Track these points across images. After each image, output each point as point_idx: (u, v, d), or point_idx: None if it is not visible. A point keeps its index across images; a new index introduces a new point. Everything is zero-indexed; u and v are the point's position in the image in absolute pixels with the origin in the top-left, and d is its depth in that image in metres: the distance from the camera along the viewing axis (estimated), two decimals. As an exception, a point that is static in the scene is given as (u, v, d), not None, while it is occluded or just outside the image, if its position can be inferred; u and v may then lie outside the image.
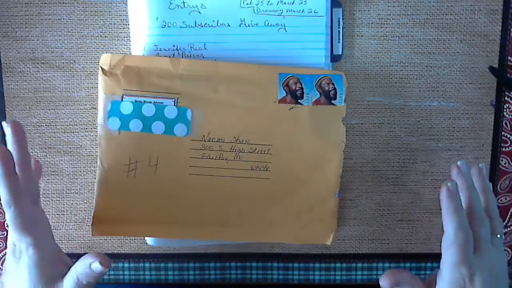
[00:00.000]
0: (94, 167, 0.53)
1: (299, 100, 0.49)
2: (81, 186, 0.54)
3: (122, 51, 0.52)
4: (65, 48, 0.52)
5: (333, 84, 0.49)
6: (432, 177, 0.54)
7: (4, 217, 0.55)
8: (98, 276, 0.42)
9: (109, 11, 0.51)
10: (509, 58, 0.52)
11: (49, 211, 0.55)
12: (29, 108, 0.53)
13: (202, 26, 0.49)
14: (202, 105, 0.48)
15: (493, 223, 0.43)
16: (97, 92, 0.48)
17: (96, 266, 0.42)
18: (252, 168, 0.49)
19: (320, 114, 0.49)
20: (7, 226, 0.55)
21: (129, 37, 0.51)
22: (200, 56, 0.49)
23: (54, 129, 0.53)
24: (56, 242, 0.45)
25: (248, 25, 0.49)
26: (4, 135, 0.42)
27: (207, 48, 0.49)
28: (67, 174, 0.54)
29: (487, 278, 0.40)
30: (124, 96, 0.48)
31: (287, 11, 0.49)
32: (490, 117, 0.54)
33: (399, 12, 0.52)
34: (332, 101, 0.49)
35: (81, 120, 0.53)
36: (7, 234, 0.55)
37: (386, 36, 0.52)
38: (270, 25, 0.49)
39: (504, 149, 0.54)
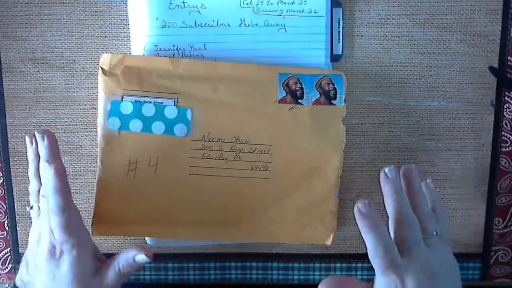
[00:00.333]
0: (94, 167, 0.53)
1: (299, 100, 0.49)
2: (81, 186, 0.54)
3: (122, 51, 0.52)
4: (65, 48, 0.52)
5: (333, 84, 0.49)
6: (432, 177, 0.54)
7: (4, 217, 0.55)
8: (138, 267, 0.46)
9: (109, 11, 0.51)
10: (509, 58, 0.52)
11: (49, 211, 0.55)
12: (29, 108, 0.53)
13: (202, 26, 0.49)
14: (202, 105, 0.48)
15: (423, 225, 0.43)
16: (97, 92, 0.48)
17: (142, 257, 0.45)
18: (252, 168, 0.49)
19: (320, 114, 0.49)
20: (7, 226, 0.55)
21: (129, 37, 0.51)
22: (200, 56, 0.49)
23: (54, 129, 0.53)
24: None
25: (248, 25, 0.49)
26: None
27: (207, 48, 0.49)
28: (67, 174, 0.54)
29: (420, 279, 0.41)
30: (124, 96, 0.48)
31: (287, 11, 0.49)
32: (490, 117, 0.54)
33: (399, 12, 0.52)
34: (332, 101, 0.49)
35: (81, 120, 0.53)
36: (7, 234, 0.56)
37: (386, 36, 0.52)
38: (270, 25, 0.49)
39: (504, 149, 0.54)
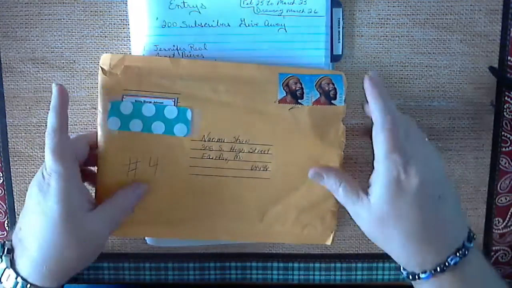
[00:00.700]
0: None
1: (299, 100, 0.49)
2: (81, 186, 0.54)
3: (122, 51, 0.52)
4: (65, 48, 0.52)
5: (333, 84, 0.49)
6: (432, 177, 0.54)
7: (4, 217, 0.55)
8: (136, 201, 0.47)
9: (109, 11, 0.51)
10: (509, 58, 0.52)
11: (49, 211, 0.55)
12: (29, 108, 0.53)
13: (202, 26, 0.49)
14: (202, 105, 0.48)
15: None
16: (97, 92, 0.48)
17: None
18: (252, 168, 0.49)
19: (320, 114, 0.49)
20: (7, 226, 0.55)
21: (129, 37, 0.51)
22: (200, 56, 0.49)
23: (54, 129, 0.53)
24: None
25: (248, 25, 0.49)
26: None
27: (207, 48, 0.49)
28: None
29: (423, 169, 0.39)
30: (124, 96, 0.48)
31: (287, 11, 0.49)
32: (490, 117, 0.54)
33: (399, 12, 0.52)
34: (332, 101, 0.49)
35: (81, 120, 0.53)
36: (7, 234, 0.56)
37: (386, 36, 0.52)
38: (270, 25, 0.49)
39: (504, 149, 0.54)
